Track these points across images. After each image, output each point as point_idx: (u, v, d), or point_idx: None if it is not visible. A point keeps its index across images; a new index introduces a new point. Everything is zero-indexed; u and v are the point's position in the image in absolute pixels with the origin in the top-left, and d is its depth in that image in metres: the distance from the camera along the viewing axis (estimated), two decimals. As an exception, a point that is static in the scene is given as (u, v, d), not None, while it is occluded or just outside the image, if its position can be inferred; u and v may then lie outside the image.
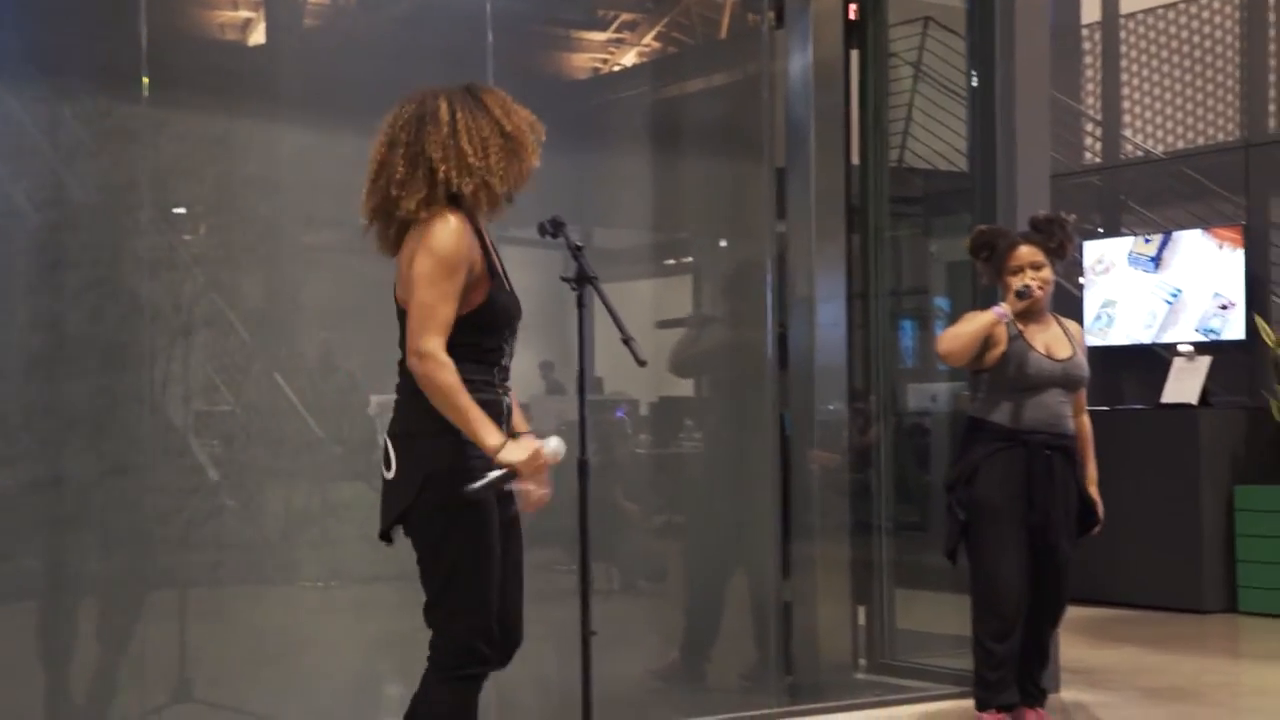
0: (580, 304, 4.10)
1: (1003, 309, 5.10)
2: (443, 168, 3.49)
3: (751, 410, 6.14)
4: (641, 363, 4.03)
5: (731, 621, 6.07)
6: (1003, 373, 5.13)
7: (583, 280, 4.09)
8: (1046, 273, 5.17)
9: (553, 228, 4.06)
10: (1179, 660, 7.07)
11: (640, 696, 5.75)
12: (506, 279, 3.69)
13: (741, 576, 6.14)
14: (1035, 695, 5.24)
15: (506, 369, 3.69)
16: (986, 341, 5.11)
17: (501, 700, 5.19)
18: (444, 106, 3.54)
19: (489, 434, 3.44)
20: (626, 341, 4.05)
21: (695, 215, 6.29)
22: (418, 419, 3.49)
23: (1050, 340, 5.19)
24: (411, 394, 3.52)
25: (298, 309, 5.12)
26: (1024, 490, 5.06)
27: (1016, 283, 5.11)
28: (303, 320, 5.14)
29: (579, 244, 4.06)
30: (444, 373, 3.43)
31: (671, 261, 6.55)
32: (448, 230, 3.45)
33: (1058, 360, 5.14)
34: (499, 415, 3.60)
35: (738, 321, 6.24)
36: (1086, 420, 5.33)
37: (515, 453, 3.47)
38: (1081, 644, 7.28)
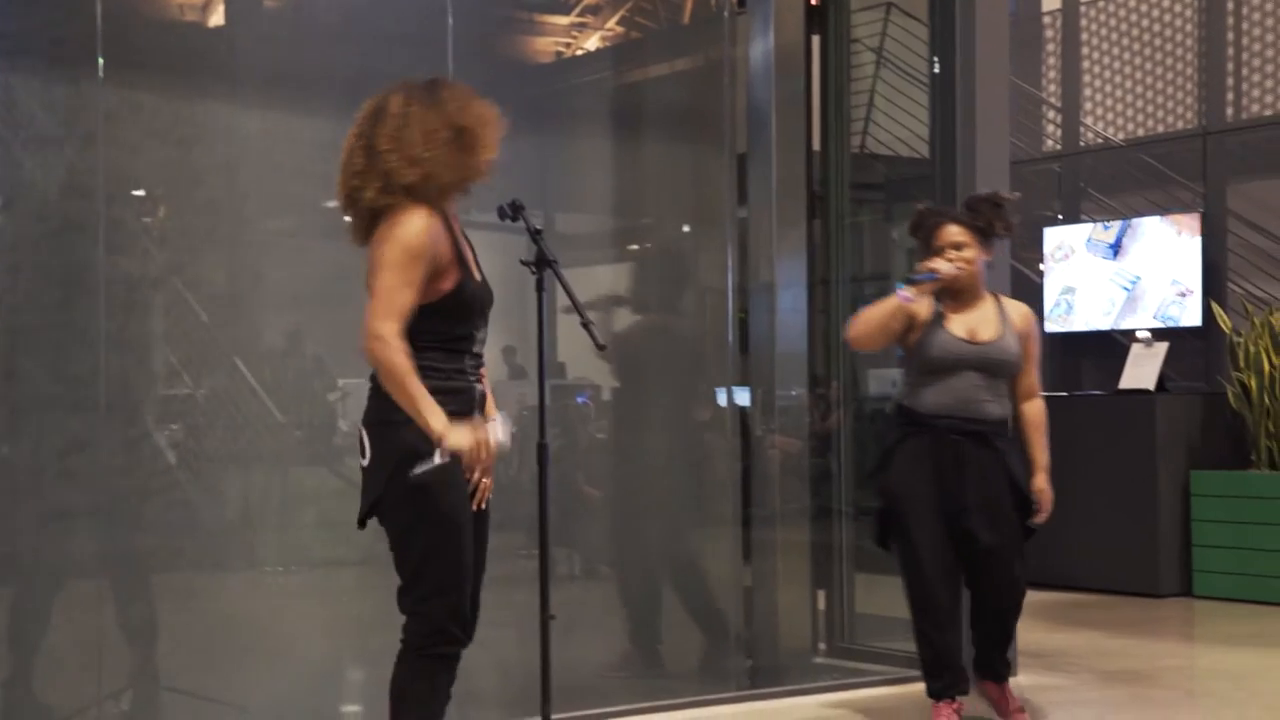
0: (539, 288, 4.11)
1: (906, 293, 4.94)
2: (390, 158, 3.57)
3: (712, 395, 6.16)
4: (601, 347, 4.05)
5: (691, 605, 6.09)
6: (916, 356, 5.02)
7: (542, 264, 4.10)
8: (969, 253, 4.99)
9: (512, 211, 4.08)
10: (1135, 644, 7.14)
11: (599, 680, 5.76)
12: (478, 268, 3.75)
13: (701, 561, 6.16)
14: (999, 671, 5.22)
15: (479, 356, 3.75)
16: (911, 324, 5.00)
17: (461, 684, 5.19)
18: (398, 99, 3.65)
19: (434, 418, 3.48)
20: (585, 325, 4.06)
21: (657, 200, 6.30)
22: (391, 407, 3.53)
23: (976, 322, 5.02)
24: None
25: (259, 293, 5.09)
26: (934, 476, 4.96)
27: (935, 264, 4.98)
28: (264, 304, 5.12)
29: (538, 227, 4.07)
30: (396, 355, 3.48)
31: (633, 247, 6.55)
32: (414, 222, 3.54)
33: (976, 343, 4.99)
34: (470, 402, 3.66)
35: (700, 307, 6.26)
36: (1035, 406, 5.15)
37: (460, 438, 3.50)
38: (1039, 628, 7.34)
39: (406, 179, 3.56)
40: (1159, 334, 9.10)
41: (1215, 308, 9.00)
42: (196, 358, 4.90)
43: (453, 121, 3.61)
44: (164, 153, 4.86)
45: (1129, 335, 9.31)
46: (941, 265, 4.96)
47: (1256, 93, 9.61)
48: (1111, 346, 9.58)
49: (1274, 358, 8.42)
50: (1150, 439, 8.60)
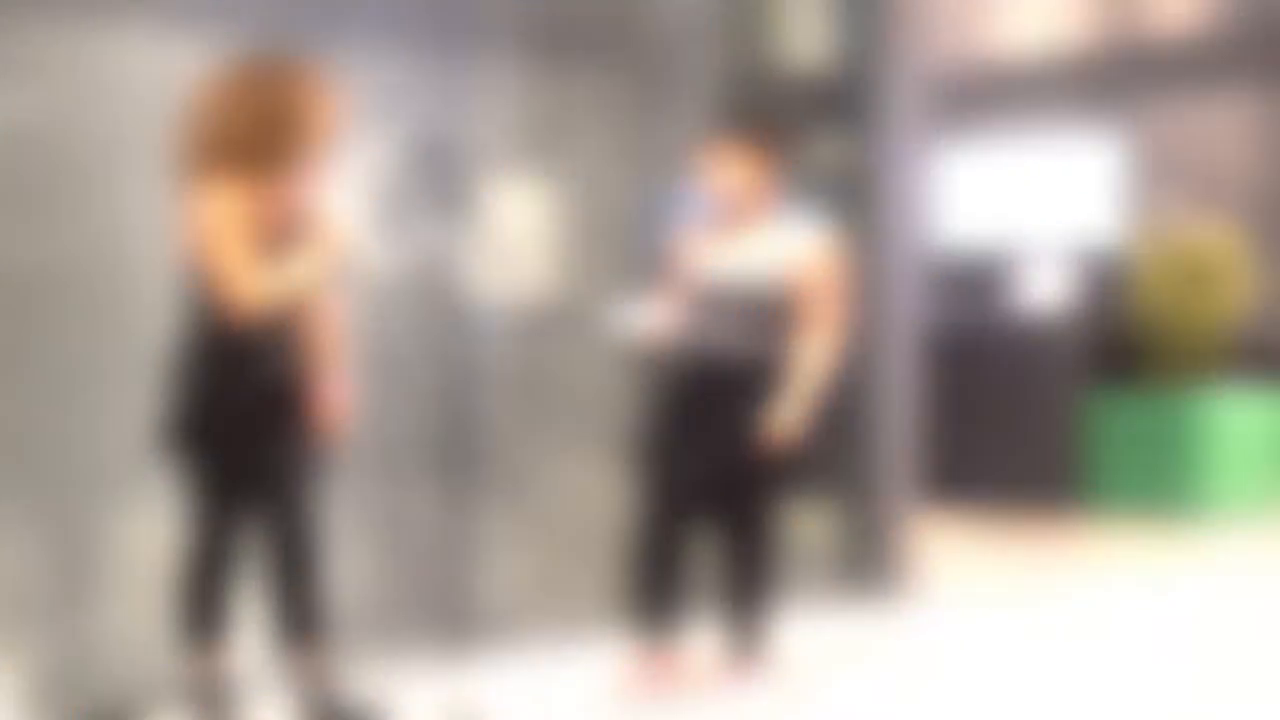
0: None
1: None
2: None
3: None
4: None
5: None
6: None
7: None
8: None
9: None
10: (1038, 558, 7.25)
11: (556, 602, 5.75)
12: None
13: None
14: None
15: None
16: None
17: (383, 603, 5.12)
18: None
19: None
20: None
21: (563, 120, 6.16)
22: None
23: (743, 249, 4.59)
24: None
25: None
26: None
27: None
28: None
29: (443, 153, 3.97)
30: (258, 292, 3.73)
31: (541, 169, 6.41)
32: (207, 201, 3.80)
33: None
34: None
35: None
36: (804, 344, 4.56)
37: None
38: (946, 543, 7.42)
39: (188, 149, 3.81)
40: (1066, 255, 9.17)
41: (1122, 228, 9.09)
42: (148, 265, 4.72)
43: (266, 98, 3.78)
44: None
45: (1031, 255, 9.38)
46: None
47: (1170, 8, 9.64)
48: (1016, 267, 9.65)
49: (1179, 280, 8.54)
50: (1054, 357, 8.71)
